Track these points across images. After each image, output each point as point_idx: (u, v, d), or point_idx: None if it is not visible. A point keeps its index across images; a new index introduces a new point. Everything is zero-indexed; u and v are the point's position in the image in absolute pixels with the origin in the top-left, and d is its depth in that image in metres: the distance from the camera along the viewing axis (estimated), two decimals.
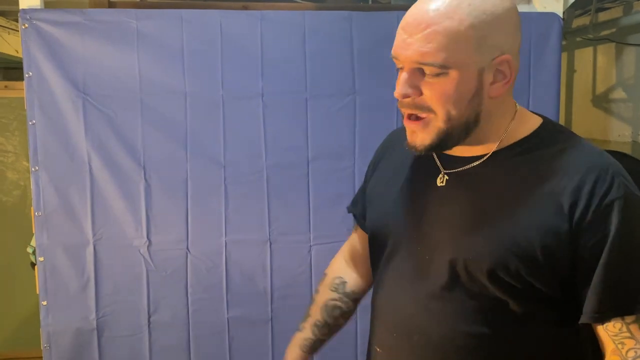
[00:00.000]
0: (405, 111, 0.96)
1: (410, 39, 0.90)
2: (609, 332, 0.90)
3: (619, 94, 3.57)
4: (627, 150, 3.31)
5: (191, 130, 2.04)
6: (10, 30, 4.04)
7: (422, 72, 0.91)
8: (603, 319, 0.90)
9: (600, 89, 3.76)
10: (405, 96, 0.93)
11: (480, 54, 0.91)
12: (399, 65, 0.95)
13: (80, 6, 2.56)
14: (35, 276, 2.07)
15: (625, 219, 0.88)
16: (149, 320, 2.08)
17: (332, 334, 1.28)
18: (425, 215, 1.01)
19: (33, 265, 2.18)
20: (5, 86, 3.11)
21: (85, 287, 2.05)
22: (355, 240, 1.27)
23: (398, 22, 2.17)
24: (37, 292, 2.06)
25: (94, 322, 2.07)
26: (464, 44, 0.89)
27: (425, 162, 1.04)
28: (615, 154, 3.08)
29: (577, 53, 4.01)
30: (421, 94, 0.92)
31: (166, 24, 2.01)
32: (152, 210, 2.04)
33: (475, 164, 0.98)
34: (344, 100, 2.09)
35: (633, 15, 3.19)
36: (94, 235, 2.04)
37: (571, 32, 3.83)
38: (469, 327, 0.95)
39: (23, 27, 1.97)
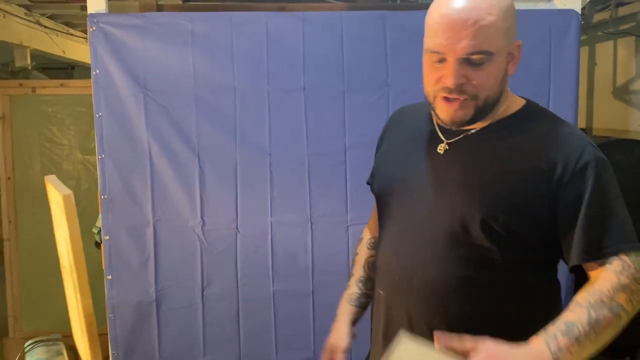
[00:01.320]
0: (451, 95, 1.11)
1: (460, 35, 1.06)
2: (597, 268, 1.08)
3: (638, 85, 3.70)
4: None
5: (240, 122, 2.25)
6: (58, 33, 4.30)
7: (467, 62, 1.08)
8: (590, 259, 1.08)
9: (621, 81, 3.89)
10: (460, 85, 1.09)
11: (508, 40, 1.11)
12: (440, 58, 1.10)
13: (132, 9, 2.80)
14: (100, 254, 2.31)
15: (597, 177, 1.08)
16: (202, 294, 2.30)
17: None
18: (426, 178, 1.21)
19: (97, 244, 2.41)
20: (61, 84, 3.35)
21: (146, 263, 2.28)
22: (376, 212, 1.45)
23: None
24: (103, 268, 2.29)
25: (154, 295, 2.29)
26: (500, 33, 1.09)
27: (428, 135, 1.24)
28: (637, 143, 3.22)
29: (598, 47, 4.14)
30: (468, 80, 1.10)
31: (217, 25, 2.23)
32: (205, 194, 2.26)
33: (471, 132, 1.18)
34: (377, 93, 2.28)
35: None
36: (153, 216, 2.26)
37: (592, 27, 3.96)
38: (461, 272, 1.14)
39: (91, 29, 2.20)
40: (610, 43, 3.95)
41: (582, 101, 4.27)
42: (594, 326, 1.00)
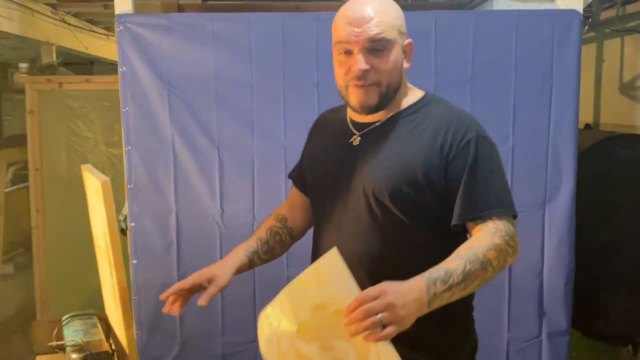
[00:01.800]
0: (359, 82, 1.29)
1: (362, 27, 1.26)
2: (475, 228, 1.27)
3: None
4: None
5: (257, 116, 2.39)
6: (81, 30, 4.46)
7: (370, 51, 1.27)
8: (466, 220, 1.27)
9: (627, 77, 3.98)
10: (366, 71, 1.28)
11: (401, 37, 1.32)
12: (346, 49, 1.29)
13: (155, 8, 2.95)
14: (126, 241, 2.46)
15: (477, 151, 1.28)
16: None
17: (267, 255, 1.58)
18: (346, 167, 1.38)
19: (123, 231, 2.57)
20: (86, 80, 3.51)
21: (169, 248, 2.44)
22: (293, 195, 1.62)
23: (435, 21, 2.47)
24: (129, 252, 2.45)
25: (176, 278, 2.44)
26: (395, 28, 1.30)
27: (343, 131, 1.41)
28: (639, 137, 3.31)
29: (606, 44, 4.22)
30: (372, 68, 1.29)
31: (236, 25, 2.37)
32: (224, 184, 2.41)
33: (378, 124, 1.36)
34: None
35: None
36: (176, 205, 2.42)
37: (599, 24, 4.04)
38: (382, 242, 1.32)
39: (118, 29, 2.35)
40: (618, 40, 4.04)
41: (589, 97, 4.37)
42: (466, 278, 1.17)
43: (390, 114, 1.36)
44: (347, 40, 1.27)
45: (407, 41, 1.34)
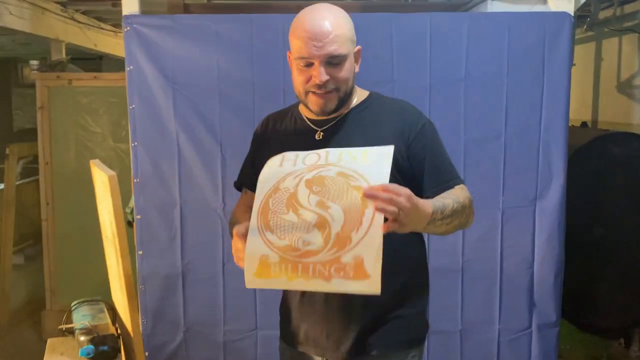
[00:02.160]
0: (320, 90, 1.44)
1: (321, 43, 1.40)
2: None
3: None
4: None
5: (258, 114, 2.47)
6: (90, 27, 4.57)
7: (329, 63, 1.42)
8: (437, 190, 1.45)
9: (625, 76, 4.05)
10: (326, 81, 1.42)
11: (352, 46, 1.48)
12: (308, 62, 1.42)
13: (161, 6, 3.04)
14: (132, 232, 2.57)
15: (431, 134, 1.51)
16: (223, 268, 2.55)
17: None
18: None
19: (129, 223, 2.67)
20: (95, 77, 3.62)
21: (173, 240, 2.54)
22: (247, 200, 1.58)
23: (430, 23, 2.55)
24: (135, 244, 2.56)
25: (180, 268, 2.56)
26: (348, 41, 1.45)
27: (302, 129, 1.55)
28: (633, 137, 3.38)
29: (604, 43, 4.29)
30: (331, 77, 1.43)
31: (239, 26, 2.46)
32: (227, 178, 2.50)
33: (338, 119, 1.51)
34: (384, 88, 2.49)
35: None
36: (180, 198, 2.52)
37: (598, 24, 4.11)
38: None
39: (125, 29, 2.45)
40: (616, 39, 4.11)
41: (588, 95, 4.44)
42: (453, 214, 1.38)
43: (347, 110, 1.52)
44: (309, 55, 1.41)
45: (356, 48, 1.50)
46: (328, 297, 1.47)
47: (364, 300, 1.40)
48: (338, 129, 1.50)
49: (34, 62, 3.95)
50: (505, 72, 2.49)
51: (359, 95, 1.56)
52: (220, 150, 2.50)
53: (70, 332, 1.83)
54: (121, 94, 3.51)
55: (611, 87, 4.18)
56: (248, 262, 1.26)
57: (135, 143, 2.50)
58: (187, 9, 2.85)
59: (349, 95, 1.49)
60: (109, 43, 5.13)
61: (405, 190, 1.21)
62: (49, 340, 2.00)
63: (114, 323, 1.91)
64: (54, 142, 3.64)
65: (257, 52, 2.46)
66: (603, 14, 4.13)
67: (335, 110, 1.49)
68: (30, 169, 4.75)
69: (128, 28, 2.45)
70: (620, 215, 3.34)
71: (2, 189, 4.64)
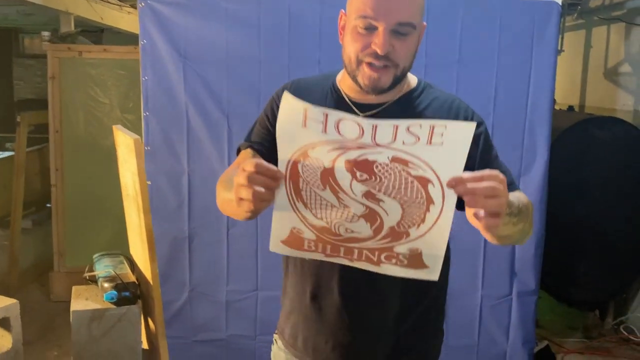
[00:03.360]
0: (378, 62, 1.19)
1: (392, 6, 1.15)
2: None
3: (626, 68, 4.03)
4: (628, 118, 3.78)
5: (263, 89, 2.64)
6: (97, 0, 4.68)
7: (395, 33, 1.17)
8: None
9: (611, 63, 4.22)
10: (388, 53, 1.16)
11: (422, 19, 1.23)
12: (370, 25, 1.16)
13: None
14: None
15: (486, 131, 1.31)
16: (227, 232, 2.73)
17: None
18: None
19: None
20: (104, 49, 3.75)
21: (181, 205, 2.71)
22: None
23: (427, 7, 2.71)
24: None
25: (187, 232, 2.73)
26: (421, 10, 1.22)
27: (342, 108, 1.23)
28: (615, 120, 3.57)
29: (594, 31, 4.45)
30: (394, 50, 1.18)
31: (247, 6, 2.61)
32: (232, 149, 2.63)
33: (387, 104, 1.27)
34: None
35: None
36: (188, 166, 2.69)
37: (588, 12, 4.27)
38: None
39: (140, 5, 2.59)
40: (604, 28, 4.27)
41: (577, 81, 4.61)
42: (519, 213, 1.15)
43: (399, 95, 1.28)
44: (375, 16, 1.15)
45: (423, 24, 1.24)
46: (347, 308, 1.31)
47: (384, 321, 1.30)
48: (389, 116, 1.15)
49: (46, 34, 4.07)
50: (495, 56, 2.67)
51: (411, 79, 1.32)
52: (227, 122, 2.66)
53: (93, 280, 2.00)
54: (129, 66, 3.68)
55: (598, 73, 4.35)
56: (277, 228, 1.07)
57: (147, 113, 2.66)
58: None
59: (404, 75, 1.25)
60: (113, 16, 5.24)
61: (499, 174, 0.98)
62: (73, 288, 2.17)
63: (133, 272, 2.08)
64: (64, 112, 3.78)
65: (264, 31, 2.61)
66: (593, 3, 4.29)
67: (388, 89, 1.23)
68: (32, 139, 4.87)
69: (143, 4, 2.59)
70: (600, 195, 3.54)
71: (8, 156, 4.79)
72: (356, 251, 1.09)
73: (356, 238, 1.08)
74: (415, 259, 1.08)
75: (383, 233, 1.07)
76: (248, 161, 0.99)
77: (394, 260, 1.09)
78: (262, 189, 0.99)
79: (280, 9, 2.61)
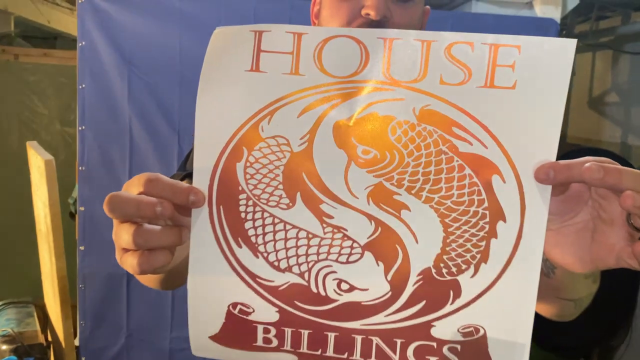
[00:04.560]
0: None
1: None
2: None
3: (613, 98, 3.82)
4: (616, 150, 3.56)
5: None
6: (44, 2, 4.27)
7: None
8: None
9: (597, 92, 4.00)
10: (385, 18, 0.84)
11: None
12: None
13: None
14: (74, 225, 2.33)
15: None
16: None
17: None
18: None
19: (72, 215, 2.43)
20: (45, 54, 3.34)
21: None
22: None
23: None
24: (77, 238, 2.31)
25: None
26: None
27: None
28: (604, 152, 3.33)
29: (578, 57, 4.24)
30: (392, 17, 0.85)
31: (206, 6, 2.25)
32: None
33: None
34: None
35: (631, 25, 3.42)
36: None
37: (573, 37, 4.05)
38: None
39: (79, 1, 2.21)
40: (590, 54, 4.06)
41: None
42: None
43: None
44: None
45: (426, 7, 0.95)
46: None
47: None
48: None
49: None
50: None
51: None
52: (177, 140, 2.28)
53: None
54: (73, 74, 3.25)
55: (582, 102, 4.14)
56: (198, 310, 0.60)
57: (83, 127, 2.27)
58: None
59: None
60: (65, 21, 4.81)
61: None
62: None
63: (44, 330, 1.68)
64: None
65: None
66: (579, 28, 4.08)
67: None
68: None
69: (83, 0, 2.22)
70: None
71: None
72: (359, 341, 0.58)
73: (357, 306, 0.58)
74: (475, 354, 0.57)
75: (410, 287, 0.57)
76: (133, 178, 0.59)
77: None
78: (156, 229, 0.56)
79: (244, 12, 2.26)
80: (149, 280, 0.81)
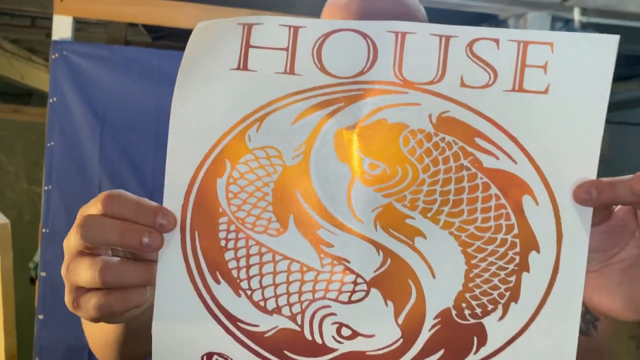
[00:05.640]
0: None
1: (384, 10, 0.77)
2: None
3: None
4: None
5: None
6: (18, 57, 4.20)
7: None
8: None
9: None
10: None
11: None
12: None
13: (99, 42, 2.75)
14: (34, 291, 2.17)
15: None
16: None
17: None
18: None
19: (32, 280, 2.27)
20: (15, 110, 3.24)
21: None
22: None
23: None
24: (35, 307, 2.15)
25: (86, 340, 2.15)
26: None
27: None
28: None
29: None
30: None
31: None
32: None
33: None
34: None
35: (610, 94, 3.45)
36: None
37: None
38: None
39: (53, 56, 2.13)
40: None
41: None
42: None
43: None
44: (367, 8, 0.76)
45: None
46: None
47: None
48: None
49: None
50: None
51: None
52: None
53: None
54: (43, 131, 3.16)
55: None
56: None
57: (50, 186, 2.14)
58: (128, 44, 2.57)
59: None
60: (40, 77, 4.72)
61: None
62: None
63: None
64: None
65: None
66: None
67: None
68: None
69: (56, 55, 2.13)
70: None
71: None
72: None
73: (361, 357, 0.47)
74: None
75: (425, 332, 0.47)
76: (95, 199, 0.51)
77: None
78: (126, 263, 0.48)
79: None
80: (107, 341, 0.67)
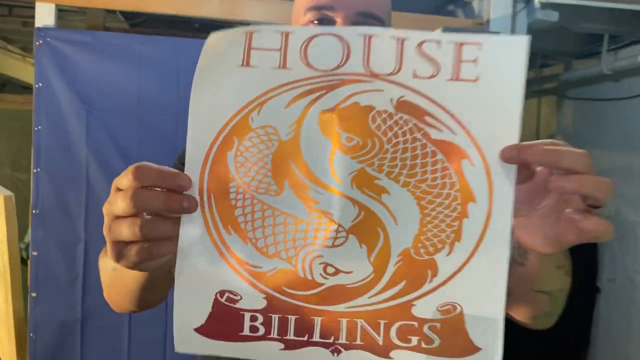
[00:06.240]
0: None
1: None
2: None
3: (558, 140, 3.96)
4: None
5: (181, 142, 2.26)
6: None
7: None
8: None
9: (543, 136, 4.16)
10: None
11: (389, 18, 0.97)
12: (323, 16, 0.91)
13: (80, 28, 2.81)
14: (25, 271, 2.25)
15: None
16: (130, 316, 2.27)
17: None
18: None
19: (24, 261, 2.35)
20: None
21: (74, 281, 2.24)
22: None
23: None
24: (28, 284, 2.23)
25: (79, 314, 2.24)
26: (387, 6, 0.96)
27: None
28: None
29: (525, 103, 4.43)
30: None
31: (164, 49, 2.26)
32: None
33: None
34: None
35: (572, 71, 3.60)
36: (86, 234, 2.24)
37: None
38: None
39: (37, 43, 2.19)
40: (535, 100, 4.24)
41: None
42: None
43: None
44: (332, 4, 0.89)
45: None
46: None
47: None
48: None
49: None
50: None
51: None
52: None
53: None
54: (25, 118, 3.19)
55: None
56: (186, 300, 0.61)
57: (38, 169, 2.21)
58: (107, 31, 2.64)
59: None
60: (15, 67, 4.74)
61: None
62: None
63: None
64: None
65: (184, 78, 2.27)
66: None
67: None
68: None
69: (40, 42, 2.20)
70: None
71: None
72: (344, 324, 0.60)
73: (342, 289, 0.60)
74: (453, 331, 0.59)
75: (391, 267, 0.59)
76: (125, 171, 0.60)
77: (415, 340, 0.60)
78: (159, 219, 0.59)
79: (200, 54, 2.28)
80: (130, 288, 0.80)
